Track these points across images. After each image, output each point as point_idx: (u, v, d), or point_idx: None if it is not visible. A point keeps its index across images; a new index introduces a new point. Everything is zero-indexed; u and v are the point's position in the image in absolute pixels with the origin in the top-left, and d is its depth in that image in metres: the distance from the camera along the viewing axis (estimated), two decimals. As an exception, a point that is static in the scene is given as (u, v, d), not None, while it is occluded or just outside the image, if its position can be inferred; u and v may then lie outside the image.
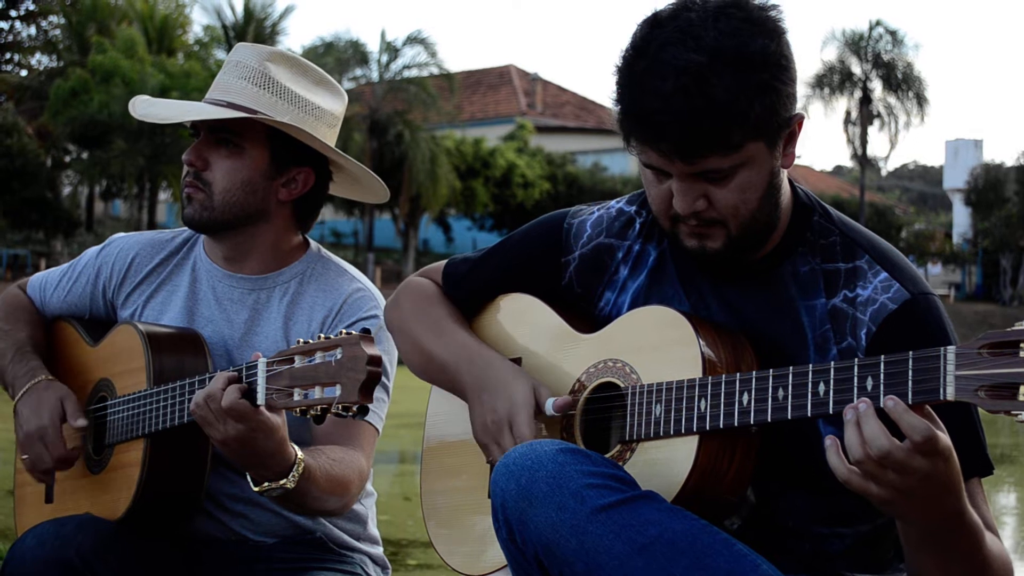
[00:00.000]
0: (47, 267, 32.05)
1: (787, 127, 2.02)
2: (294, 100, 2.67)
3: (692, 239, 2.07)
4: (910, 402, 1.74)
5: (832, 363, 1.85)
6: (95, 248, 2.92)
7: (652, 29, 1.99)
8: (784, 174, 2.11)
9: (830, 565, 2.10)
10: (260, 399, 2.22)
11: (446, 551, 2.38)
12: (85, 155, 37.07)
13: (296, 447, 2.35)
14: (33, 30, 44.87)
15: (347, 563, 2.73)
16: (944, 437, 1.74)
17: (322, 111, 2.71)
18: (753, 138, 1.97)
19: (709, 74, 1.91)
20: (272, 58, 2.70)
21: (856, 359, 1.83)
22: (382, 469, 10.85)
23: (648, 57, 1.96)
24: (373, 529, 2.85)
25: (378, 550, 2.84)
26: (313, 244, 2.83)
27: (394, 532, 6.84)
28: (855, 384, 1.80)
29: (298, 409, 2.12)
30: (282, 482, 2.32)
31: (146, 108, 2.77)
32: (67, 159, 39.67)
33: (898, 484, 1.74)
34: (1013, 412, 1.63)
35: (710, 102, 1.91)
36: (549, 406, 2.14)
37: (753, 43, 1.94)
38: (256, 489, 2.34)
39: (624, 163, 47.19)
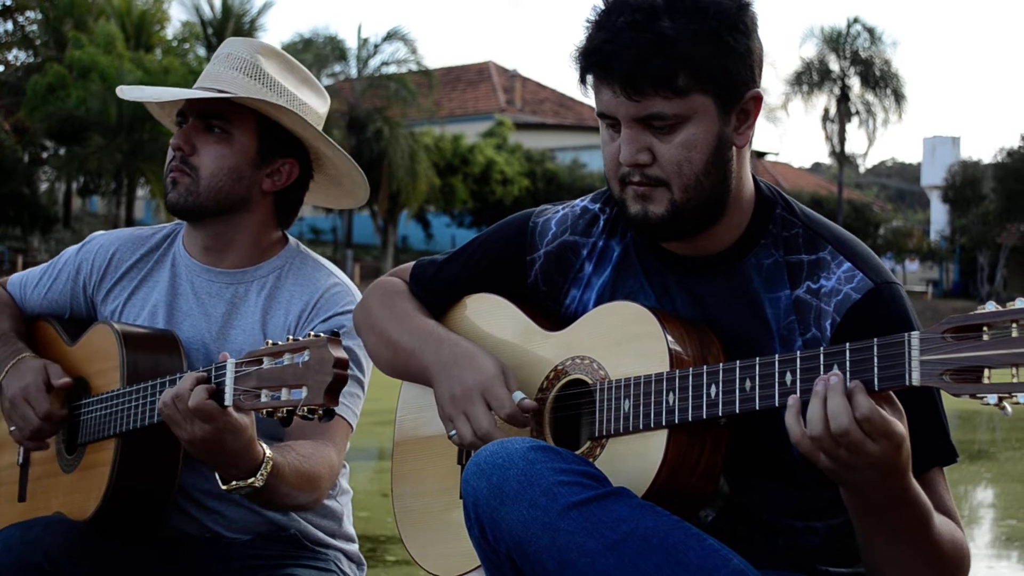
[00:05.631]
0: (24, 264, 31.92)
1: (740, 93, 2.05)
2: (283, 93, 2.69)
3: (637, 203, 2.08)
4: (876, 388, 1.76)
5: (798, 352, 1.86)
6: (75, 246, 2.92)
7: None
8: (740, 156, 2.10)
9: (804, 559, 2.11)
10: (228, 400, 2.22)
11: (419, 554, 2.37)
12: (62, 151, 36.86)
13: (264, 445, 2.35)
14: (10, 25, 44.51)
15: (322, 559, 2.72)
16: (897, 423, 1.76)
17: (308, 108, 2.73)
18: (700, 89, 2.01)
19: (661, 13, 1.98)
20: (263, 51, 2.72)
21: (822, 347, 1.84)
22: (360, 466, 10.81)
23: (607, 1, 2.05)
24: (348, 527, 2.84)
25: (353, 547, 2.84)
26: (292, 240, 2.83)
27: (372, 528, 6.83)
28: (821, 372, 1.81)
29: (264, 411, 2.13)
30: (250, 480, 2.32)
31: (136, 92, 2.79)
32: (44, 155, 39.47)
33: (847, 461, 1.78)
34: (978, 395, 1.64)
35: (658, 37, 1.97)
36: (516, 398, 2.13)
37: None
38: (224, 487, 2.34)
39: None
